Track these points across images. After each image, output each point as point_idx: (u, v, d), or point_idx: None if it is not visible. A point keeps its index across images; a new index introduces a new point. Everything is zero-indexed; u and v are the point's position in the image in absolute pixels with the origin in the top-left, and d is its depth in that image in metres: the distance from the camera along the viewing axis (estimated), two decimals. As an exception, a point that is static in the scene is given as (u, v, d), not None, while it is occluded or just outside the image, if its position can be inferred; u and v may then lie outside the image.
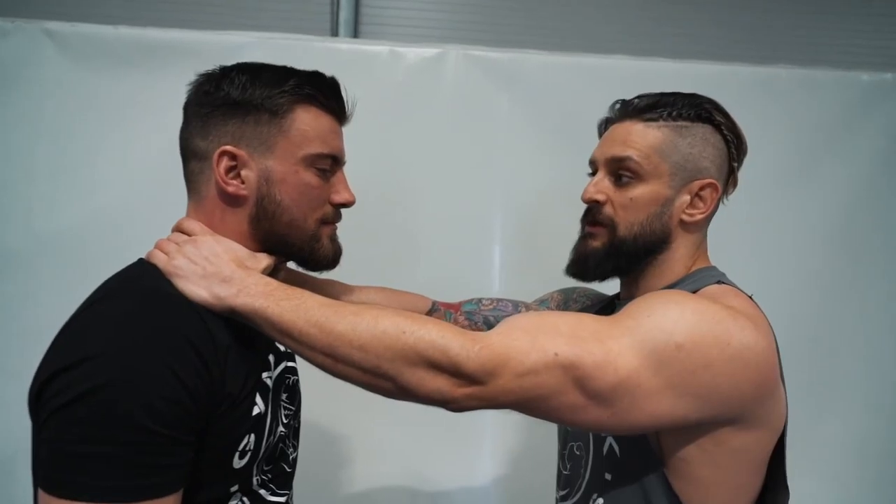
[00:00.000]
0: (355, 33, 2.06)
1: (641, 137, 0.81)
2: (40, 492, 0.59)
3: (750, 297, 0.78)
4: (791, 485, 0.79)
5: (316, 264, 0.81)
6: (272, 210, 0.75)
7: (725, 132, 0.83)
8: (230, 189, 0.74)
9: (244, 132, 0.74)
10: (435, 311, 1.07)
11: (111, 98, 1.44)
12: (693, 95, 0.84)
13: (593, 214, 0.85)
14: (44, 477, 0.59)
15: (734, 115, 1.24)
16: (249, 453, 0.71)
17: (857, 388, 1.55)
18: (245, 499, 0.73)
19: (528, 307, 1.08)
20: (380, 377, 0.66)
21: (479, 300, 1.09)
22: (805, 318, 1.54)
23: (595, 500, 0.82)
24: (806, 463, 1.49)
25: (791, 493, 0.82)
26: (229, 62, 0.84)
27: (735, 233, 1.51)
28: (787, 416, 0.76)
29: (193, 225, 0.75)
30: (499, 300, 1.08)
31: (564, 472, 0.91)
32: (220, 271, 0.69)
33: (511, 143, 1.49)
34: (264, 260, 0.75)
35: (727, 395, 0.68)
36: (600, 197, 0.83)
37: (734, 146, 0.83)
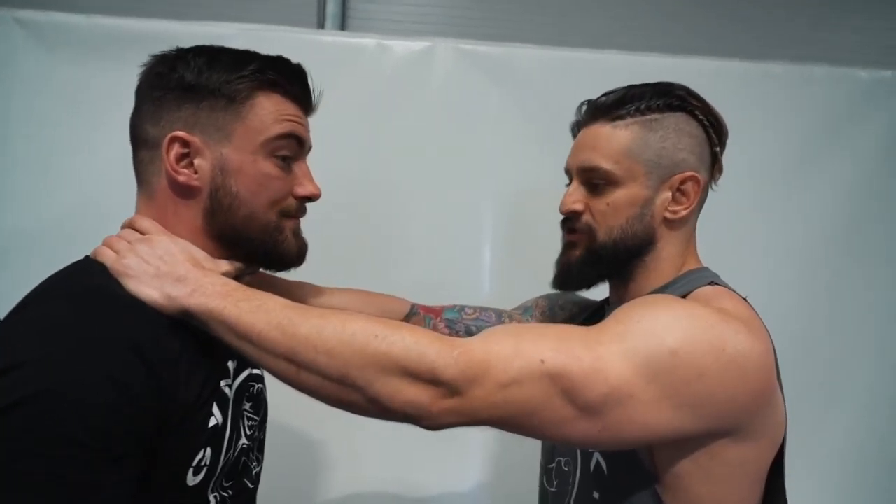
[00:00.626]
0: (343, 27, 2.00)
1: (609, 142, 0.77)
2: None
3: (744, 299, 0.74)
4: (790, 488, 0.75)
5: (279, 261, 0.75)
6: (228, 202, 0.69)
7: (700, 117, 0.78)
8: (181, 178, 0.68)
9: (198, 118, 0.69)
10: (414, 314, 1.01)
11: (86, 90, 1.39)
12: (662, 84, 0.79)
13: (571, 223, 0.81)
14: None
15: (731, 112, 1.20)
16: (205, 469, 0.65)
17: (862, 389, 1.52)
18: None
19: (511, 317, 1.03)
20: (347, 387, 0.60)
21: (462, 308, 1.04)
22: (805, 314, 1.50)
23: None
24: (805, 467, 1.47)
25: (790, 498, 0.77)
26: None
27: (734, 229, 1.49)
28: (786, 425, 0.72)
29: (147, 223, 0.70)
30: (482, 309, 1.04)
31: (550, 489, 0.86)
32: (175, 271, 0.64)
33: (501, 140, 1.45)
34: (224, 265, 0.70)
35: (723, 405, 0.63)
36: (578, 207, 0.79)
37: (713, 130, 0.79)
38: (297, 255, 0.75)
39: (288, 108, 0.72)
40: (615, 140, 0.76)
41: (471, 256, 1.45)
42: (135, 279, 0.63)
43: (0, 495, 0.51)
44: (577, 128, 0.84)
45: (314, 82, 0.76)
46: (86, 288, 0.63)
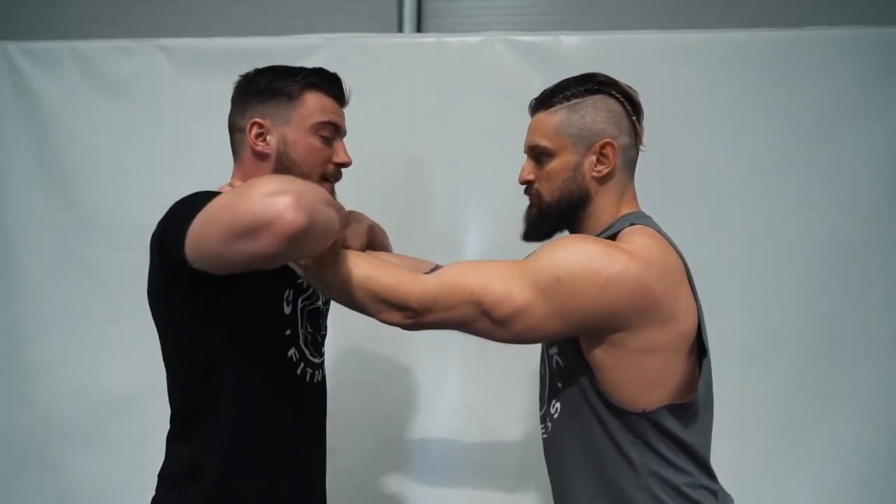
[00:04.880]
0: (419, 26, 2.25)
1: (544, 124, 1.00)
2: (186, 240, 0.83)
3: (659, 231, 0.95)
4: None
5: None
6: (287, 165, 1.01)
7: (616, 95, 0.98)
8: (258, 148, 1.01)
9: (268, 110, 1.01)
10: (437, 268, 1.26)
11: (210, 99, 1.72)
12: (584, 76, 1.00)
13: (528, 190, 1.05)
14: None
15: (765, 80, 1.53)
16: (291, 304, 1.02)
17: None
18: (297, 353, 1.02)
19: None
20: (356, 305, 0.94)
21: None
22: (841, 269, 1.59)
23: (554, 405, 1.00)
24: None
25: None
26: (301, 61, 1.09)
27: (774, 191, 1.60)
28: (698, 318, 0.91)
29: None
30: None
31: (539, 391, 1.09)
32: None
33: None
34: None
35: (604, 312, 0.86)
36: (530, 177, 1.04)
37: (628, 104, 0.99)
38: None
39: (327, 103, 1.03)
40: (548, 123, 1.00)
41: (515, 222, 1.66)
42: None
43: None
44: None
45: (346, 84, 1.07)
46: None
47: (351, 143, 1.72)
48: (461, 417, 1.68)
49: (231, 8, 2.18)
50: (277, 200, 0.74)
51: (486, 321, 0.89)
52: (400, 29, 2.24)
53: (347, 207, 1.49)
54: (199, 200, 0.84)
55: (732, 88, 1.58)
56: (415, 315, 0.90)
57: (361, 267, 0.93)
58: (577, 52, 1.65)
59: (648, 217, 1.01)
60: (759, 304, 1.62)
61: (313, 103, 1.02)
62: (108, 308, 1.78)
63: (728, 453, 1.56)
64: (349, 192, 1.64)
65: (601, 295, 0.84)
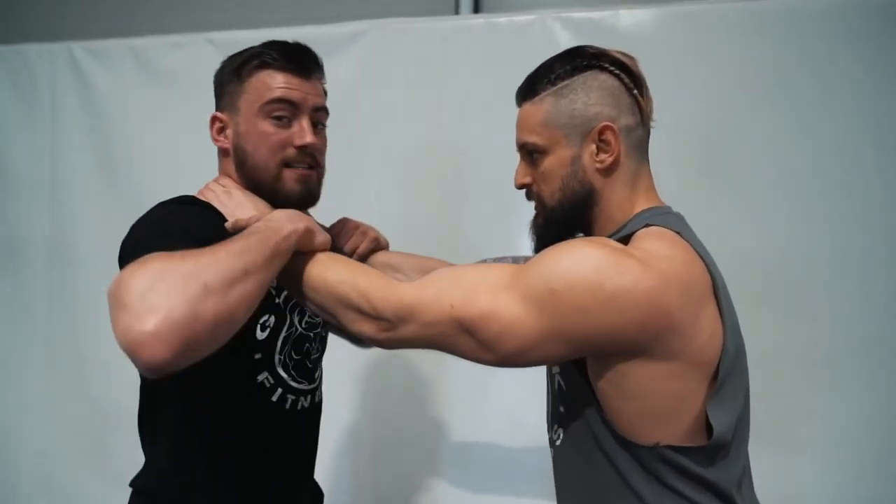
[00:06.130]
0: (476, 7, 2.14)
1: (530, 117, 0.86)
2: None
3: (681, 232, 0.78)
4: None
5: (284, 202, 0.92)
6: (242, 156, 0.94)
7: (609, 68, 0.82)
8: (218, 143, 0.96)
9: (224, 101, 0.95)
10: None
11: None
12: (569, 51, 0.85)
13: (528, 196, 0.91)
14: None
15: (860, 51, 1.32)
16: (269, 329, 0.92)
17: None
18: (271, 378, 0.93)
19: (526, 259, 1.12)
20: (327, 314, 0.84)
21: (485, 261, 1.15)
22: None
23: (556, 431, 0.88)
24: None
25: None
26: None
27: (863, 179, 1.41)
28: (722, 350, 0.75)
29: (226, 181, 0.97)
30: (503, 257, 1.15)
31: (546, 410, 0.96)
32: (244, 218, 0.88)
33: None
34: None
35: (606, 335, 0.71)
36: (526, 180, 0.89)
37: (626, 76, 0.83)
38: (297, 199, 0.94)
39: (278, 79, 0.91)
40: (534, 115, 0.86)
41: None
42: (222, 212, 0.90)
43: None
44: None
45: (310, 52, 0.96)
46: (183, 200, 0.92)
47: (397, 134, 1.67)
48: (508, 423, 1.59)
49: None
50: (139, 326, 0.58)
51: (468, 341, 0.75)
52: (456, 11, 2.14)
53: (395, 200, 1.41)
54: (146, 233, 0.78)
55: (821, 63, 1.37)
56: (389, 327, 0.78)
57: (335, 271, 0.83)
58: (639, 29, 1.50)
59: (670, 213, 0.86)
60: (848, 308, 1.42)
61: (260, 82, 0.92)
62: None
63: (817, 473, 1.42)
64: (395, 185, 1.61)
65: (602, 314, 0.70)
